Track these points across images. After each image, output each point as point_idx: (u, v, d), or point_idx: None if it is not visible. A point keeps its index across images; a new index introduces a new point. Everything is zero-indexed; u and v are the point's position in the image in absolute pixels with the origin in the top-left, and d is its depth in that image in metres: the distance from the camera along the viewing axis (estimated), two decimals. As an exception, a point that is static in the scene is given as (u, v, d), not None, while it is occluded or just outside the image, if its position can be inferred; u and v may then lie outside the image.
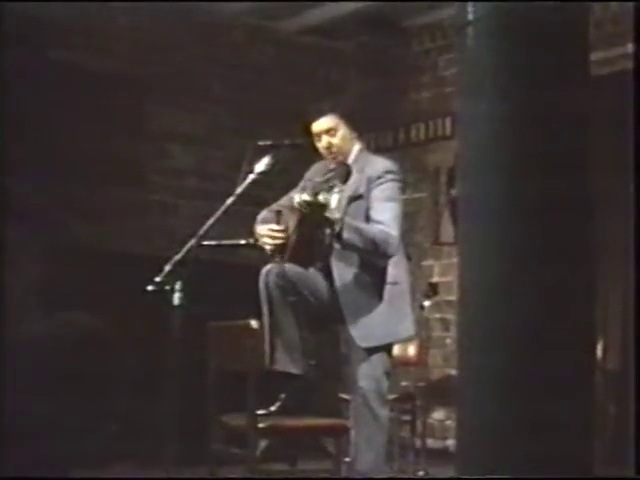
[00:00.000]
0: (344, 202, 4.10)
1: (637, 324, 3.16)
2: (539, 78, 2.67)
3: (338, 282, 4.13)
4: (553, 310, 2.64)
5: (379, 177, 4.15)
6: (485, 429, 2.68)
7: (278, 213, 4.25)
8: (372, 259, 4.11)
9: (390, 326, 4.16)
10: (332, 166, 4.24)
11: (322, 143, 4.25)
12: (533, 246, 2.66)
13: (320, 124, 4.26)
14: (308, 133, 4.29)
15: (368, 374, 4.10)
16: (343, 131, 4.25)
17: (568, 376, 2.64)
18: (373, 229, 4.06)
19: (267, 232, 4.18)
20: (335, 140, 4.23)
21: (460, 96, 2.95)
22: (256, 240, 4.24)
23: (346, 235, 3.95)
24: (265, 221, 4.26)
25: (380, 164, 4.23)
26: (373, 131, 7.24)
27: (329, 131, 4.24)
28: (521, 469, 2.60)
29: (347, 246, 4.02)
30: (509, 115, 2.71)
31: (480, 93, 2.74)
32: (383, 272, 4.16)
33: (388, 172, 4.19)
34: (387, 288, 4.16)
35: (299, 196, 3.91)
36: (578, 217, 2.72)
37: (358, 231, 4.01)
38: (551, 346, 2.62)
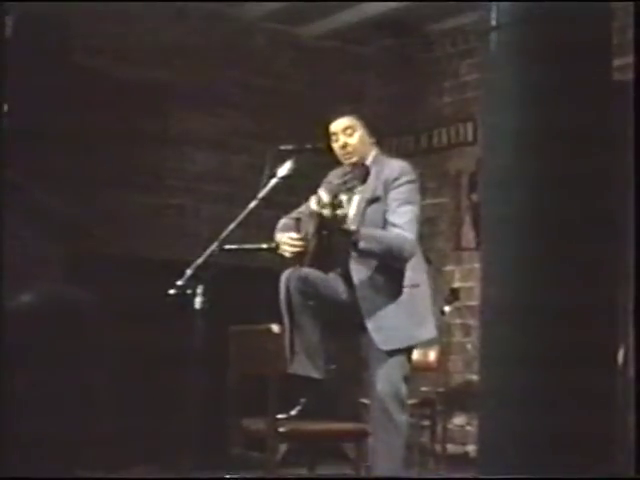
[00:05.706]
0: (362, 205, 4.11)
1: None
2: (562, 85, 2.66)
3: (358, 286, 4.13)
4: (575, 319, 2.63)
5: (396, 179, 4.14)
6: (506, 434, 2.68)
7: (297, 220, 4.25)
8: (389, 263, 4.12)
9: (411, 329, 4.15)
10: (350, 168, 4.24)
11: (338, 143, 4.24)
12: (555, 252, 2.65)
13: (338, 123, 4.25)
14: (328, 136, 4.29)
15: (386, 378, 4.09)
16: (361, 133, 4.23)
17: (590, 384, 2.63)
18: (389, 235, 4.06)
19: (287, 240, 4.18)
20: (351, 140, 4.22)
21: (482, 102, 2.95)
22: (277, 246, 4.24)
23: (362, 245, 3.96)
24: (285, 229, 4.26)
25: (396, 167, 4.21)
26: (394, 136, 7.24)
27: (346, 130, 4.22)
28: (541, 475, 2.59)
29: (364, 254, 4.03)
30: (531, 121, 2.71)
31: (502, 99, 2.74)
32: (402, 275, 4.15)
33: (404, 174, 4.17)
34: (407, 291, 4.15)
35: (317, 196, 3.90)
36: (602, 223, 2.71)
37: (375, 239, 4.01)
38: (573, 355, 2.61)
